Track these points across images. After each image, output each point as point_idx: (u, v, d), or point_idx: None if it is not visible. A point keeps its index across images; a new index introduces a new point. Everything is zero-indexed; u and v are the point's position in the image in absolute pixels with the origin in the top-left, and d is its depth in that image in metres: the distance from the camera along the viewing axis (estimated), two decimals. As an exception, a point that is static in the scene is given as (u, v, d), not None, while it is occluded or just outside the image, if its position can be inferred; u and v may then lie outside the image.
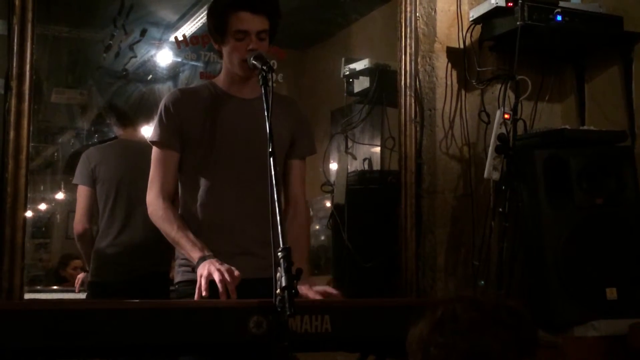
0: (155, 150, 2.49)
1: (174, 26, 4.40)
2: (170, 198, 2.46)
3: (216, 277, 2.18)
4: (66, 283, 4.58)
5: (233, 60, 2.45)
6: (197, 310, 1.95)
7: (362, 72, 3.94)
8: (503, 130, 3.23)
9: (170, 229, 2.39)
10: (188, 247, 2.35)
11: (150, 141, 2.50)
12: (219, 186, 2.46)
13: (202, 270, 2.23)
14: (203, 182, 2.46)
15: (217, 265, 2.23)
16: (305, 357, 2.23)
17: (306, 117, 2.68)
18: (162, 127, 2.47)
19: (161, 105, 2.49)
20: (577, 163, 3.13)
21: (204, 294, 2.18)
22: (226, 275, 2.18)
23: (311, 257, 2.69)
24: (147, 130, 3.71)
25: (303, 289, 2.27)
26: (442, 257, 3.45)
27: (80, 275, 3.86)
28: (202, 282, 2.20)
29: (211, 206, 2.45)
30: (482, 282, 3.28)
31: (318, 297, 2.30)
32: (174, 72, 4.29)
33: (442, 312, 1.50)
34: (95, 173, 3.58)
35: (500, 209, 3.19)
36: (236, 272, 2.20)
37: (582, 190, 3.12)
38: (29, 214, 3.17)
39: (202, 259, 2.28)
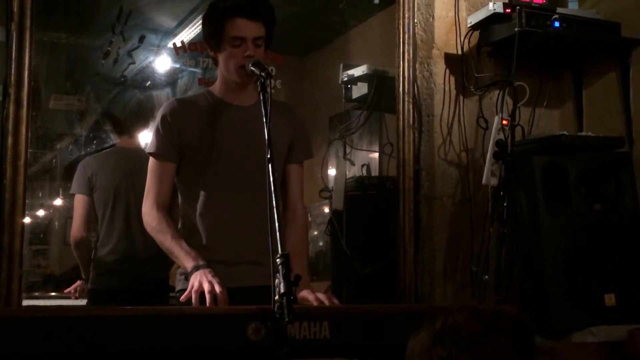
0: (152, 160, 2.50)
1: (173, 32, 4.41)
2: (165, 207, 2.46)
3: (205, 287, 2.19)
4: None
5: (230, 67, 2.46)
6: (195, 317, 1.95)
7: (360, 78, 3.94)
8: (501, 136, 3.23)
9: (164, 239, 2.40)
10: (182, 256, 2.36)
11: (147, 152, 2.51)
12: (218, 195, 2.46)
13: (194, 280, 2.24)
14: (202, 192, 2.47)
15: (209, 277, 2.23)
16: (303, 364, 2.23)
17: (303, 122, 2.70)
18: (159, 138, 2.47)
19: (158, 116, 2.50)
20: (575, 169, 3.13)
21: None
22: (216, 287, 2.19)
23: (310, 263, 2.68)
24: (144, 137, 3.72)
25: (304, 293, 2.28)
26: (441, 263, 3.45)
27: (78, 284, 3.85)
28: (193, 296, 2.21)
29: (211, 215, 2.46)
30: (486, 277, 3.26)
31: (318, 302, 2.30)
32: (172, 79, 4.30)
33: (442, 323, 1.49)
34: (93, 181, 3.59)
35: (499, 215, 3.20)
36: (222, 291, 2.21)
37: (581, 196, 3.12)
38: (27, 220, 3.17)
39: (195, 268, 2.29)
